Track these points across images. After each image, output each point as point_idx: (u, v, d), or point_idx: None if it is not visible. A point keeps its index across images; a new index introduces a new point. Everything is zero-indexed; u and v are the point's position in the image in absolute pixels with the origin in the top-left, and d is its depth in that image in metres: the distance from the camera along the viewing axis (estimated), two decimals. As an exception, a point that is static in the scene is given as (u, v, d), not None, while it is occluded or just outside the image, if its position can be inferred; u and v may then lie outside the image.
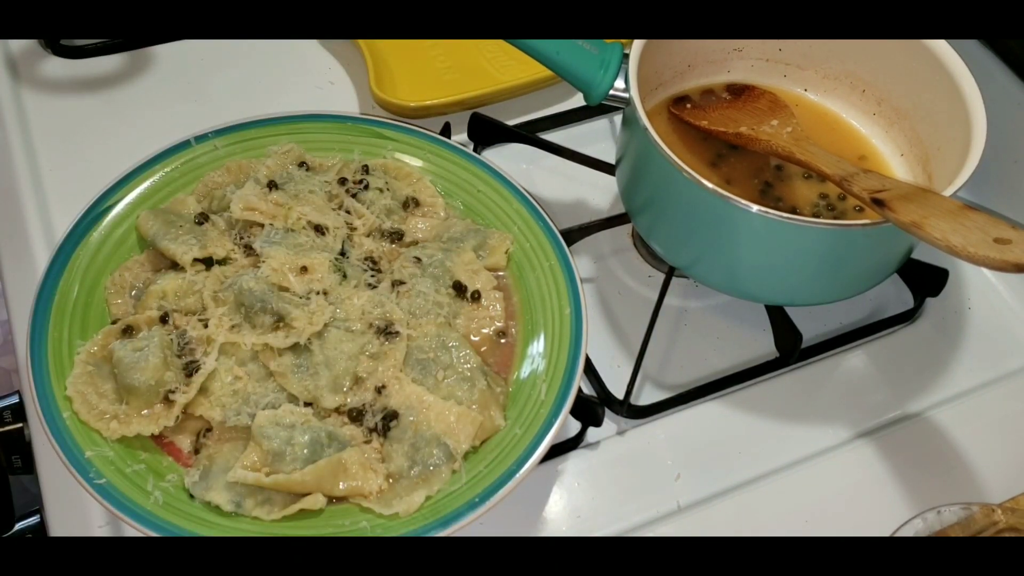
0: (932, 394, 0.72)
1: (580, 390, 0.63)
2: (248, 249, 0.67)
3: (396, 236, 0.71)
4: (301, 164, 0.73)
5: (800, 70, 0.78)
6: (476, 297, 0.67)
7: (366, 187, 0.71)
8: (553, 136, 0.84)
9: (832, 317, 0.75)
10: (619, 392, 0.68)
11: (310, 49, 0.91)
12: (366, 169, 0.73)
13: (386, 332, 0.63)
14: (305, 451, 0.58)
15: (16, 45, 0.89)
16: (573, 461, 0.67)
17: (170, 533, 0.55)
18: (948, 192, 0.60)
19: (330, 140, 0.75)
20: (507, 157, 0.83)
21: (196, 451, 0.60)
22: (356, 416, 0.61)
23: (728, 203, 0.61)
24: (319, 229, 0.68)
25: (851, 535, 0.64)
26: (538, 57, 0.67)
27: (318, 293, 0.64)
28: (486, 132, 0.81)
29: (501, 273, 0.69)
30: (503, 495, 0.57)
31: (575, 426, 0.67)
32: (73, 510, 0.63)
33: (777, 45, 0.78)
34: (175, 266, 0.66)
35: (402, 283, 0.67)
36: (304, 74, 0.89)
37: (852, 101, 0.77)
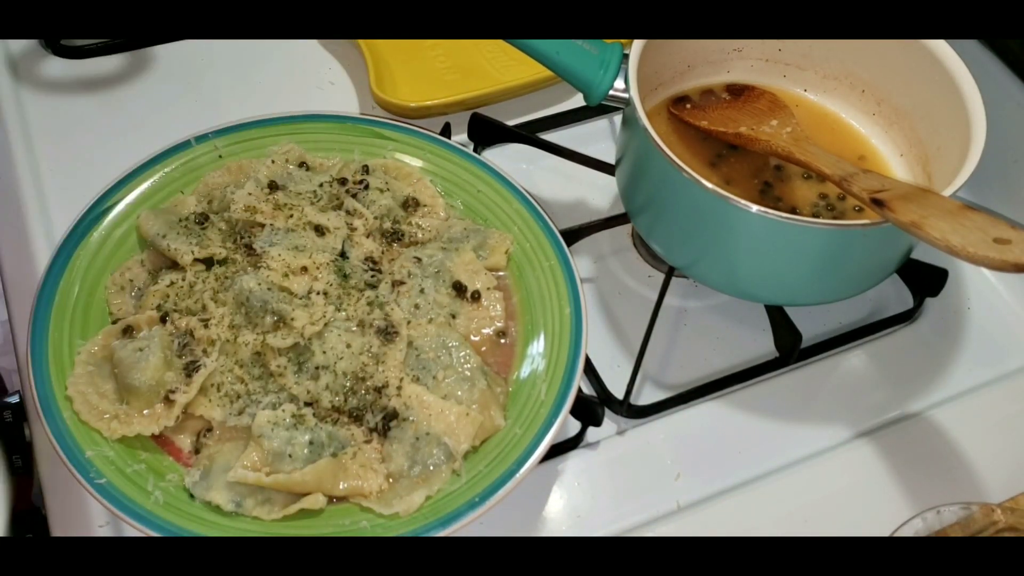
0: (932, 394, 0.72)
1: (580, 390, 0.63)
2: (248, 249, 0.67)
3: (396, 236, 0.71)
4: (301, 164, 0.73)
5: (800, 70, 0.78)
6: (476, 297, 0.67)
7: (366, 187, 0.71)
8: (553, 136, 0.84)
9: (832, 317, 0.75)
10: (619, 392, 0.68)
11: (310, 49, 0.91)
12: (366, 169, 0.73)
13: (386, 332, 0.63)
14: (305, 451, 0.58)
15: (16, 45, 0.89)
16: (573, 461, 0.67)
17: (170, 533, 0.55)
18: (948, 192, 0.60)
19: (330, 140, 0.75)
20: (507, 157, 0.83)
21: (196, 451, 0.60)
22: (356, 416, 0.61)
23: (728, 203, 0.61)
24: (319, 229, 0.68)
25: (851, 535, 0.64)
26: (538, 57, 0.67)
27: (318, 293, 0.64)
28: (486, 132, 0.81)
29: (501, 273, 0.69)
30: (503, 495, 0.57)
31: (575, 426, 0.67)
32: (73, 510, 0.63)
33: (777, 45, 0.78)
34: (175, 266, 0.66)
35: (402, 283, 0.67)
36: (304, 74, 0.89)
37: (852, 101, 0.77)
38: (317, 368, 0.62)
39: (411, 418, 0.61)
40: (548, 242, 0.69)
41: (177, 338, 0.62)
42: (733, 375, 0.71)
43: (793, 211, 0.70)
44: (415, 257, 0.69)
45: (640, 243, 0.79)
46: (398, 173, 0.74)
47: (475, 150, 0.81)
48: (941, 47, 0.69)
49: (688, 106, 0.76)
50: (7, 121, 0.83)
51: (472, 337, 0.66)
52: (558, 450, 0.67)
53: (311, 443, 0.59)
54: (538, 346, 0.65)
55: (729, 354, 0.73)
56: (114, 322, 0.65)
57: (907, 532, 0.60)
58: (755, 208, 0.60)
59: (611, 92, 0.67)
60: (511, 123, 0.83)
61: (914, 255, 0.69)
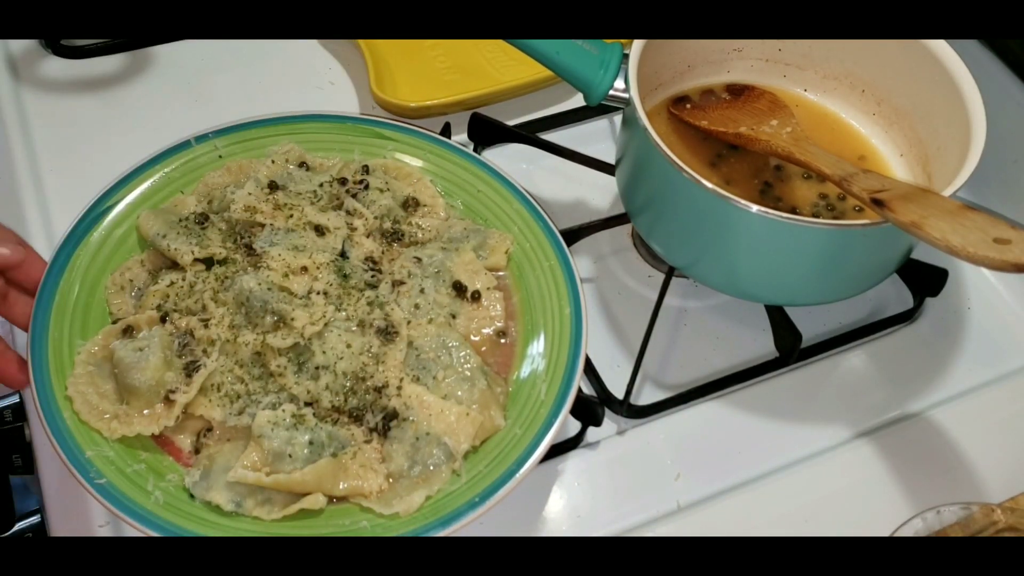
0: (932, 394, 0.72)
1: (580, 390, 0.63)
2: (248, 249, 0.67)
3: (396, 236, 0.71)
4: (301, 164, 0.73)
5: (800, 70, 0.78)
6: (476, 297, 0.67)
7: (366, 187, 0.71)
8: (553, 136, 0.84)
9: (832, 317, 0.75)
10: (619, 392, 0.68)
11: (310, 49, 0.91)
12: (366, 169, 0.73)
13: (386, 332, 0.63)
14: (305, 451, 0.58)
15: (16, 45, 0.89)
16: (573, 461, 0.67)
17: (170, 533, 0.55)
18: (948, 192, 0.60)
19: (330, 140, 0.75)
20: (507, 157, 0.83)
21: (196, 451, 0.60)
22: (356, 416, 0.61)
23: (728, 203, 0.61)
24: (319, 229, 0.68)
25: (851, 535, 0.64)
26: (538, 57, 0.67)
27: (318, 293, 0.64)
28: (486, 132, 0.81)
29: (501, 273, 0.69)
30: (503, 495, 0.57)
31: (575, 426, 0.67)
32: (73, 510, 0.63)
33: (777, 45, 0.78)
34: (175, 266, 0.66)
35: (402, 283, 0.67)
36: (304, 74, 0.89)
37: (852, 101, 0.77)
38: (317, 368, 0.62)
39: (411, 418, 0.61)
40: (548, 242, 0.69)
41: (177, 338, 0.62)
42: (733, 375, 0.71)
43: (793, 211, 0.70)
44: (415, 257, 0.69)
45: (640, 243, 0.79)
46: (398, 173, 0.74)
47: (475, 150, 0.81)
48: (941, 47, 0.69)
49: (688, 106, 0.76)
50: (7, 121, 0.83)
51: (472, 337, 0.66)
52: (558, 450, 0.67)
53: (311, 443, 0.59)
54: (538, 346, 0.65)
55: (729, 354, 0.73)
56: (114, 322, 0.65)
57: (907, 532, 0.60)
58: (755, 208, 0.60)
59: (611, 92, 0.67)
60: (511, 123, 0.83)
61: (914, 255, 0.69)
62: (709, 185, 0.61)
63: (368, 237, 0.70)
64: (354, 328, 0.63)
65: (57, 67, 0.87)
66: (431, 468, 0.59)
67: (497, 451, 0.60)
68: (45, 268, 0.64)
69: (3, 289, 0.63)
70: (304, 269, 0.65)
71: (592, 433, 0.68)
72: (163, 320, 0.63)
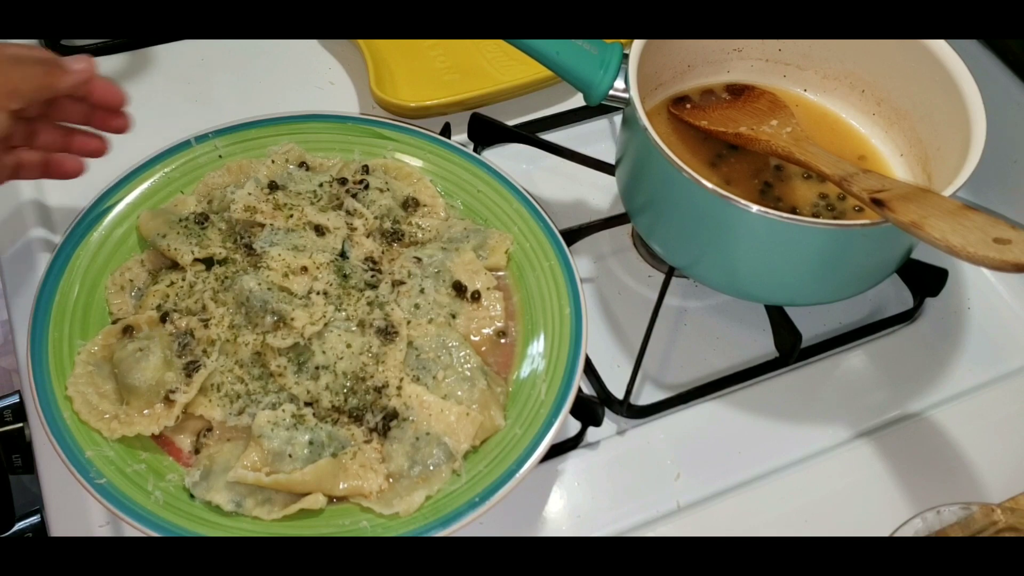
0: (932, 394, 0.72)
1: (580, 390, 0.63)
2: (248, 249, 0.67)
3: (396, 236, 0.71)
4: (301, 164, 0.73)
5: (800, 70, 0.78)
6: (476, 297, 0.67)
7: (366, 187, 0.71)
8: (553, 136, 0.84)
9: (832, 317, 0.75)
10: (619, 392, 0.68)
11: (310, 49, 0.91)
12: (366, 169, 0.73)
13: (386, 332, 0.63)
14: (305, 451, 0.58)
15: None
16: (573, 461, 0.67)
17: (170, 533, 0.55)
18: (948, 192, 0.60)
19: (330, 140, 0.75)
20: (507, 157, 0.83)
21: (197, 451, 0.60)
22: (356, 416, 0.61)
23: (728, 203, 0.61)
24: (319, 229, 0.68)
25: (851, 535, 0.64)
26: (538, 57, 0.67)
27: (318, 293, 0.64)
28: (486, 132, 0.81)
29: (501, 273, 0.69)
30: (503, 495, 0.57)
31: (575, 426, 0.67)
32: (74, 510, 0.63)
33: (777, 45, 0.78)
34: (175, 266, 0.67)
35: (402, 283, 0.67)
36: (304, 74, 0.89)
37: (852, 101, 0.77)
38: (317, 368, 0.62)
39: (411, 418, 0.61)
40: (548, 242, 0.69)
41: (177, 338, 0.62)
42: (733, 375, 0.71)
43: (793, 211, 0.70)
44: (415, 257, 0.69)
45: (640, 243, 0.79)
46: (398, 173, 0.74)
47: (475, 150, 0.81)
48: (941, 47, 0.69)
49: (688, 106, 0.76)
50: (7, 121, 0.83)
51: (472, 337, 0.66)
52: (558, 450, 0.67)
53: (311, 443, 0.59)
54: (538, 346, 0.65)
55: (729, 354, 0.73)
56: (114, 322, 0.65)
57: (907, 532, 0.60)
58: (755, 208, 0.60)
59: (611, 92, 0.67)
60: (511, 123, 0.83)
61: (914, 255, 0.69)
62: (709, 185, 0.61)
63: (368, 237, 0.70)
64: (354, 328, 0.63)
65: (57, 67, 0.87)
66: (431, 468, 0.59)
67: (497, 451, 0.60)
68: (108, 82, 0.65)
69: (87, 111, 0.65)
70: (304, 269, 0.65)
71: (592, 433, 0.68)
72: (163, 320, 0.63)
